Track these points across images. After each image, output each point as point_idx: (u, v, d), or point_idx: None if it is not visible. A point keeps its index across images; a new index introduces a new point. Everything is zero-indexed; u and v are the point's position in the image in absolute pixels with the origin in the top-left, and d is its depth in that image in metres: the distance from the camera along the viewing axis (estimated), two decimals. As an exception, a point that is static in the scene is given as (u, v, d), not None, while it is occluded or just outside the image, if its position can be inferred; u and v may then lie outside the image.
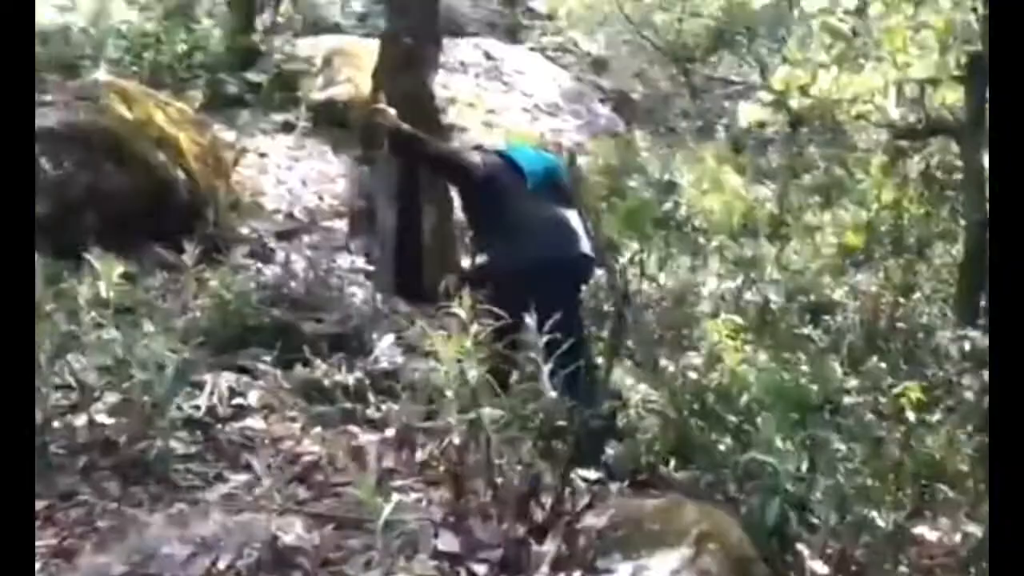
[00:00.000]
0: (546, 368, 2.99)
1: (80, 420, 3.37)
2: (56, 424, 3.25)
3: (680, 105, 12.87)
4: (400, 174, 6.29)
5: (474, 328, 2.94)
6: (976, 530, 3.64)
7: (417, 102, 6.40)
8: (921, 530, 3.92)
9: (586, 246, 4.47)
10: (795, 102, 7.58)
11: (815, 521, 3.30)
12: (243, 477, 3.22)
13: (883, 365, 4.82)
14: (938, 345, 5.04)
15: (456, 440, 2.56)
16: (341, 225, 7.18)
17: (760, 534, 2.85)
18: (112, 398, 3.56)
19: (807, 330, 5.75)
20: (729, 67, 12.47)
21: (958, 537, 3.75)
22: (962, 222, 6.78)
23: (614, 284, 3.16)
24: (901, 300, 6.18)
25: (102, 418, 3.42)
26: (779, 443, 2.88)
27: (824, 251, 7.23)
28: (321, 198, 8.13)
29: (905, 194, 7.55)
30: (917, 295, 6.66)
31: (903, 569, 3.43)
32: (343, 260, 5.46)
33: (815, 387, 3.30)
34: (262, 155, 8.87)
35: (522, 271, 4.24)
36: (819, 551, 3.42)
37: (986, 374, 4.06)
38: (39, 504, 2.83)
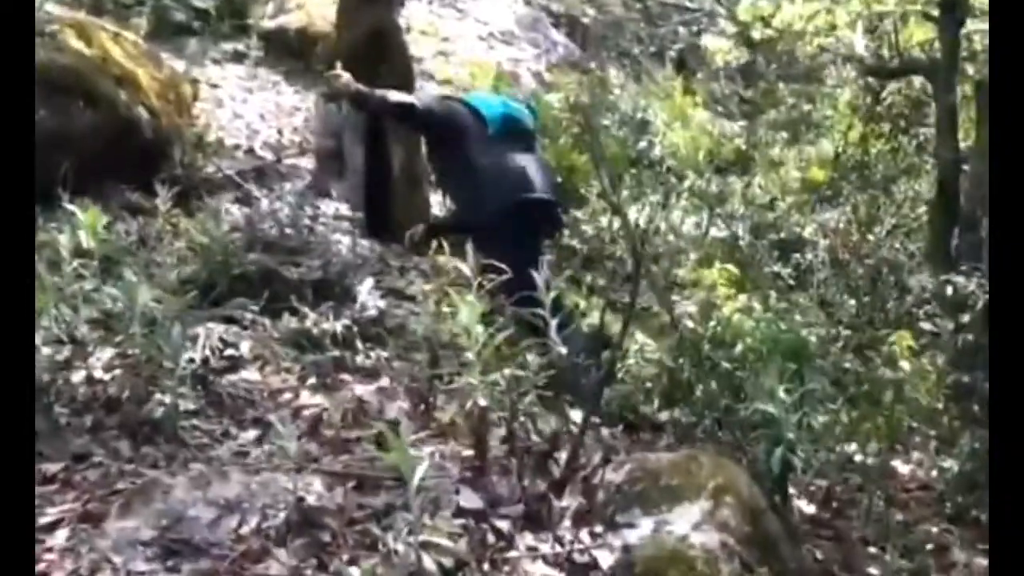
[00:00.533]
0: (554, 323, 3.04)
1: (78, 376, 3.35)
2: (59, 382, 3.21)
3: (633, 30, 12.76)
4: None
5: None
6: (952, 465, 3.82)
7: (384, 37, 6.29)
8: (895, 464, 4.10)
9: (546, 193, 4.54)
10: (757, 33, 7.59)
11: (797, 462, 3.43)
12: (251, 434, 3.24)
13: (852, 302, 4.96)
14: (903, 282, 5.19)
15: (482, 401, 2.60)
16: (306, 163, 7.06)
17: (764, 482, 2.96)
18: (107, 353, 3.54)
19: (777, 267, 5.88)
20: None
21: (935, 472, 3.94)
22: (928, 159, 6.91)
23: (633, 238, 3.19)
24: (870, 237, 6.32)
25: (100, 374, 3.41)
26: (781, 394, 2.97)
27: (791, 186, 7.33)
28: (280, 132, 7.96)
29: (872, 130, 7.65)
30: (879, 229, 6.81)
31: (882, 504, 3.59)
32: (326, 207, 5.39)
33: (813, 338, 3.40)
34: (214, 86, 8.65)
35: (481, 221, 4.33)
36: (803, 490, 3.58)
37: (964, 317, 4.22)
38: (54, 467, 2.83)
